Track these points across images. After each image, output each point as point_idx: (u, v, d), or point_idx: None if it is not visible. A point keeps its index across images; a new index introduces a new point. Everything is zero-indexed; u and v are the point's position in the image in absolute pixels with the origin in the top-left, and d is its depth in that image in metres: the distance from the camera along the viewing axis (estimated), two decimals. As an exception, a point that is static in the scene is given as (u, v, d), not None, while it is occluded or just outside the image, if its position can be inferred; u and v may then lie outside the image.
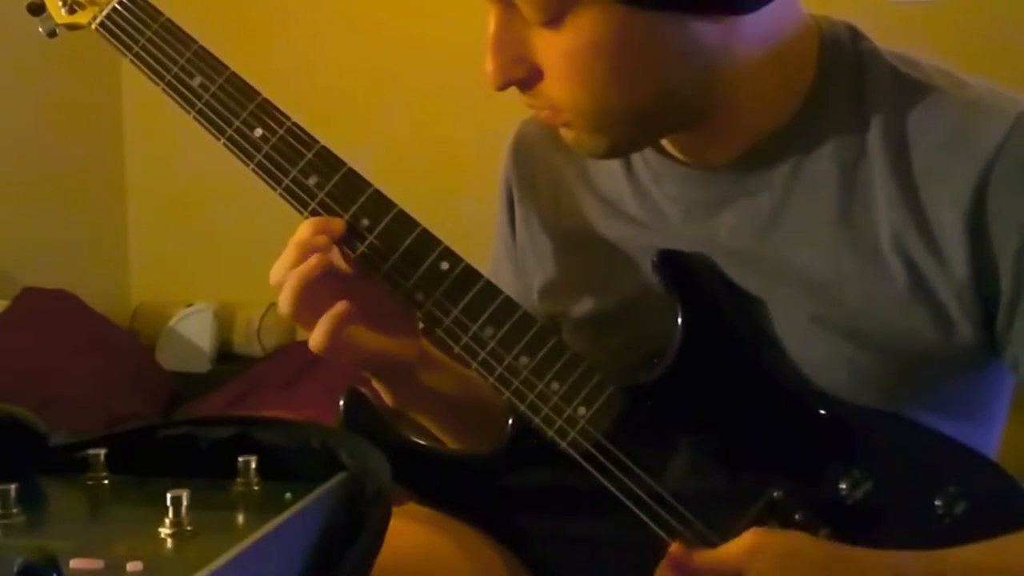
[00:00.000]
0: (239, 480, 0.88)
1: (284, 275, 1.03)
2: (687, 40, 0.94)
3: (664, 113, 0.99)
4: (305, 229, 1.04)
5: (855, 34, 1.03)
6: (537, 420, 1.02)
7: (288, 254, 1.03)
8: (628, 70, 0.95)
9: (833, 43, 1.02)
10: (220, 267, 3.38)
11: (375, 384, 1.11)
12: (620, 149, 1.04)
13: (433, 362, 1.13)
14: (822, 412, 1.00)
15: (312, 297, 1.02)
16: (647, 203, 1.09)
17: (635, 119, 0.98)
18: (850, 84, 1.01)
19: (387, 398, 1.11)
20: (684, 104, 0.99)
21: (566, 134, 1.02)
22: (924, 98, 0.98)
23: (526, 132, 1.21)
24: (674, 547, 0.94)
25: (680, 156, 1.07)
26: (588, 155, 1.05)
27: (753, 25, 0.97)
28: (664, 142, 1.07)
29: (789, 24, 1.00)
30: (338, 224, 1.04)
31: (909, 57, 1.02)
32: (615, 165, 1.11)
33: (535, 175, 1.18)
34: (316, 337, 1.03)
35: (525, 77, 0.97)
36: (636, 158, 1.10)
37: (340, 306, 1.03)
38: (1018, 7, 2.81)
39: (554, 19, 0.93)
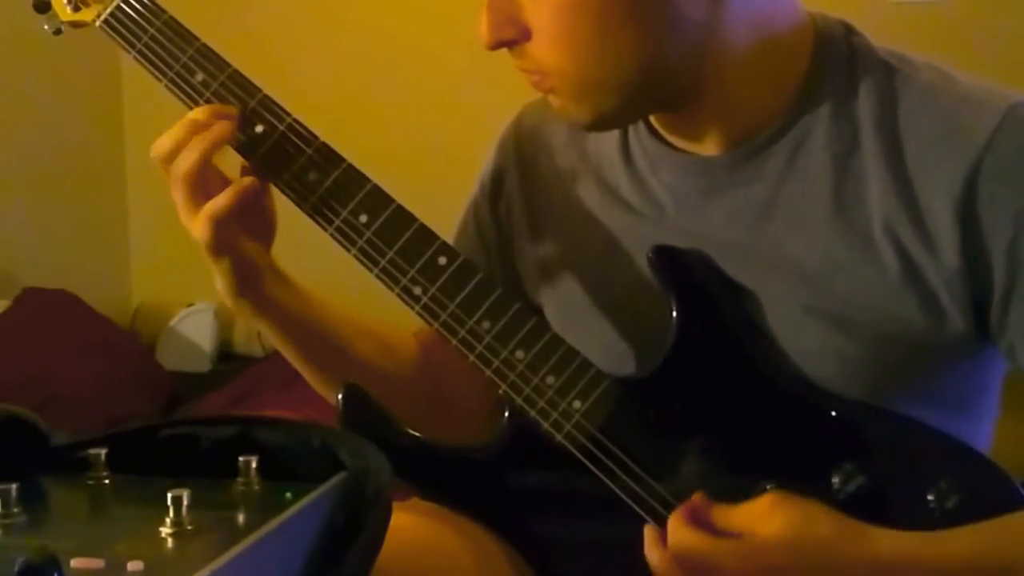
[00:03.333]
0: (240, 480, 0.89)
1: (181, 141, 1.03)
2: (670, 8, 0.97)
3: (648, 85, 1.00)
4: (202, 112, 1.05)
5: (849, 30, 1.05)
6: (533, 413, 1.03)
7: (181, 127, 1.03)
8: (610, 32, 0.97)
9: (827, 38, 1.04)
10: (221, 267, 3.38)
11: (217, 277, 1.09)
12: (605, 121, 1.05)
13: (281, 277, 1.12)
14: (815, 407, 1.01)
15: (205, 179, 1.03)
16: (644, 191, 1.10)
17: (619, 88, 1.00)
18: (843, 77, 1.03)
19: (228, 295, 1.09)
20: (669, 78, 1.00)
21: (553, 101, 1.04)
22: (916, 91, 1.00)
23: (529, 116, 1.22)
24: (697, 496, 0.95)
25: (675, 142, 1.08)
26: (574, 125, 1.07)
27: (741, 7, 0.99)
28: (660, 128, 1.09)
29: (783, 16, 1.03)
30: (233, 110, 1.05)
31: (900, 53, 1.04)
32: (614, 152, 1.12)
33: (537, 159, 1.19)
34: (222, 204, 1.03)
35: (515, 37, 1.00)
36: (634, 145, 1.11)
37: (249, 181, 1.04)
38: (1018, 7, 2.80)
39: None
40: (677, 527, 0.94)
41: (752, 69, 1.01)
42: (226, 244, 1.05)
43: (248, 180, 1.05)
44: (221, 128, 1.03)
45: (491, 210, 1.22)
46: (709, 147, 1.06)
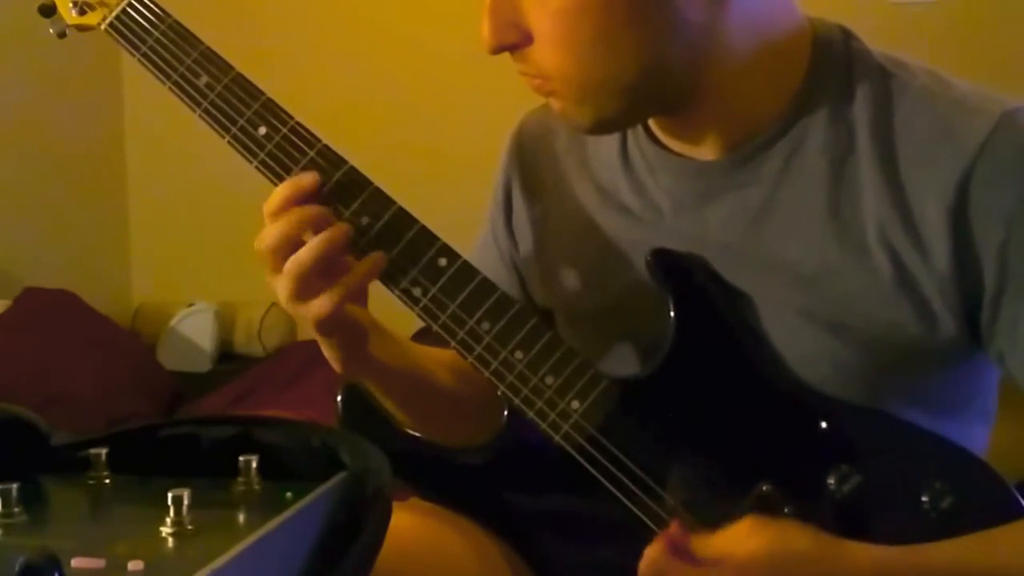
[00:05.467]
0: (240, 480, 0.89)
1: (284, 239, 1.01)
2: (671, 13, 0.97)
3: (649, 89, 1.01)
4: (287, 194, 1.03)
5: (847, 35, 1.06)
6: (531, 414, 1.03)
7: (285, 221, 1.01)
8: (612, 36, 0.97)
9: (826, 43, 1.04)
10: (221, 267, 3.38)
11: (324, 348, 1.08)
12: (606, 124, 1.05)
13: (380, 332, 1.12)
14: (811, 408, 1.02)
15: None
16: (642, 195, 1.10)
17: (620, 91, 1.00)
18: (840, 82, 1.03)
19: (336, 364, 1.09)
20: (669, 81, 1.01)
21: (554, 104, 1.04)
22: (911, 97, 1.01)
23: (528, 123, 1.22)
24: (673, 527, 0.95)
25: (673, 146, 1.08)
26: (574, 128, 1.07)
27: (742, 11, 0.99)
28: (658, 131, 1.09)
29: (781, 21, 1.03)
30: (310, 180, 1.03)
31: (898, 58, 1.04)
32: (613, 156, 1.13)
33: (538, 166, 1.20)
34: (332, 299, 1.01)
35: (517, 41, 1.00)
36: (633, 149, 1.11)
37: (380, 256, 1.02)
38: (1018, 7, 2.81)
39: None
40: (656, 556, 0.93)
41: (751, 73, 1.02)
42: (335, 327, 1.04)
43: (379, 255, 1.03)
44: (342, 231, 1.02)
45: (505, 222, 1.23)
46: (707, 151, 1.06)
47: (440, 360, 1.19)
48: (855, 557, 0.93)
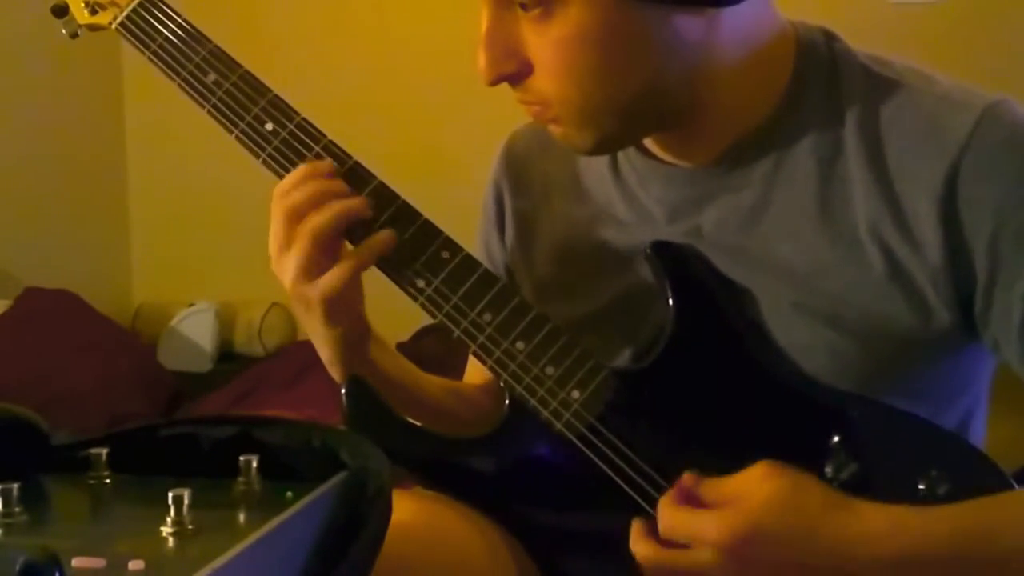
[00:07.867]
0: (240, 479, 0.89)
1: (306, 203, 1.02)
2: (670, 34, 0.98)
3: (649, 108, 1.01)
4: (306, 170, 1.05)
5: (829, 36, 1.07)
6: (533, 402, 1.04)
7: (308, 179, 1.03)
8: (614, 61, 0.98)
9: (809, 46, 1.05)
10: (221, 267, 3.39)
11: (325, 349, 1.10)
12: (607, 145, 1.06)
13: (380, 342, 1.14)
14: (808, 397, 1.02)
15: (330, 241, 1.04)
16: (635, 206, 1.11)
17: (621, 113, 1.01)
18: (825, 83, 1.04)
19: (337, 367, 1.11)
20: (668, 100, 1.01)
21: (554, 130, 1.05)
22: (896, 94, 1.02)
23: (519, 139, 1.23)
24: (686, 476, 0.95)
25: (664, 156, 1.09)
26: (576, 151, 1.08)
27: (733, 26, 1.00)
28: (649, 143, 1.10)
29: (767, 28, 1.04)
30: (327, 165, 1.06)
31: (880, 57, 1.06)
32: (604, 171, 1.14)
33: (528, 181, 1.21)
34: (343, 273, 1.03)
35: (516, 71, 1.01)
36: (623, 162, 1.12)
37: (388, 235, 1.04)
38: (1018, 7, 2.81)
39: (544, 10, 0.97)
40: (667, 510, 0.93)
41: (741, 83, 1.03)
42: (342, 311, 1.05)
43: (389, 232, 1.04)
44: (362, 203, 1.04)
45: (498, 234, 1.23)
46: (699, 158, 1.07)
47: (436, 381, 1.21)
48: (863, 514, 0.91)
